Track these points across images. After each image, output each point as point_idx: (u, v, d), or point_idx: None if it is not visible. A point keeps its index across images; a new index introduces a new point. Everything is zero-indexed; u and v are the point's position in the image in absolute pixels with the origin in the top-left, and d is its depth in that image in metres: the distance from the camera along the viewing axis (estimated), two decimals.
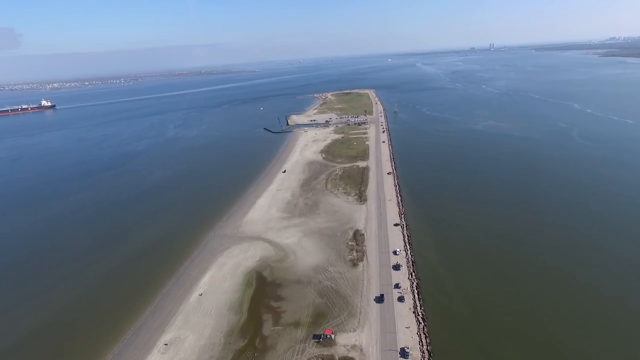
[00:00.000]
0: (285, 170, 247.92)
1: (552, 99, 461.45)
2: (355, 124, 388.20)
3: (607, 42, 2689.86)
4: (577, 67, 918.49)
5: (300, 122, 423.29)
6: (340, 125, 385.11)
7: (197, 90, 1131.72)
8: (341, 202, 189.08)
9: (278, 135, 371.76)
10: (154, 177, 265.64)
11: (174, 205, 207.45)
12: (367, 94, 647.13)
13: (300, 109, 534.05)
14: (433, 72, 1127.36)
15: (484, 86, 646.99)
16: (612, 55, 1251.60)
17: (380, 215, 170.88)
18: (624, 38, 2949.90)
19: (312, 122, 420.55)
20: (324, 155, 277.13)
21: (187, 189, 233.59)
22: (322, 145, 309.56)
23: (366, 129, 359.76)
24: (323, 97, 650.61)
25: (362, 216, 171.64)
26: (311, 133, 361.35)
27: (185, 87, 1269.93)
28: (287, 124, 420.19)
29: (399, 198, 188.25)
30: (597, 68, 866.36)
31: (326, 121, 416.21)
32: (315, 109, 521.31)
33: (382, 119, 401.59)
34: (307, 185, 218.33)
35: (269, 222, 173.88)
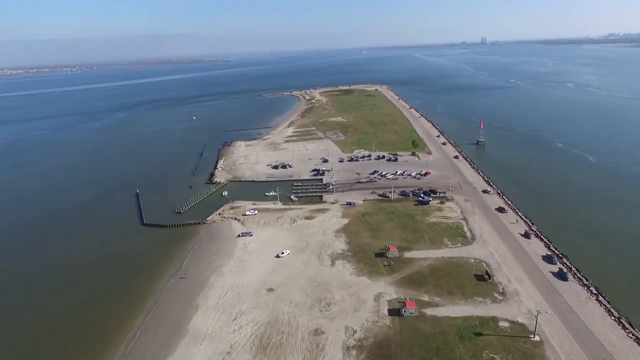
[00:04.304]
0: None
1: None
2: (403, 194, 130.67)
3: (609, 37, 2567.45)
4: None
5: (246, 176, 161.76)
6: (359, 202, 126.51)
7: (131, 82, 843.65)
8: None
9: (162, 246, 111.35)
10: None
11: None
12: (381, 92, 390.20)
13: (262, 124, 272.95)
14: (447, 64, 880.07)
15: (570, 85, 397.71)
16: None
17: None
18: (623, 34, 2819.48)
19: (279, 167, 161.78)
20: None
21: None
22: None
23: (455, 221, 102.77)
24: (307, 98, 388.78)
25: None
26: (264, 255, 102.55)
27: (128, 78, 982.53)
28: (212, 179, 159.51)
29: None
30: None
31: (318, 172, 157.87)
32: (289, 126, 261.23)
33: (466, 169, 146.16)
34: None
35: None
